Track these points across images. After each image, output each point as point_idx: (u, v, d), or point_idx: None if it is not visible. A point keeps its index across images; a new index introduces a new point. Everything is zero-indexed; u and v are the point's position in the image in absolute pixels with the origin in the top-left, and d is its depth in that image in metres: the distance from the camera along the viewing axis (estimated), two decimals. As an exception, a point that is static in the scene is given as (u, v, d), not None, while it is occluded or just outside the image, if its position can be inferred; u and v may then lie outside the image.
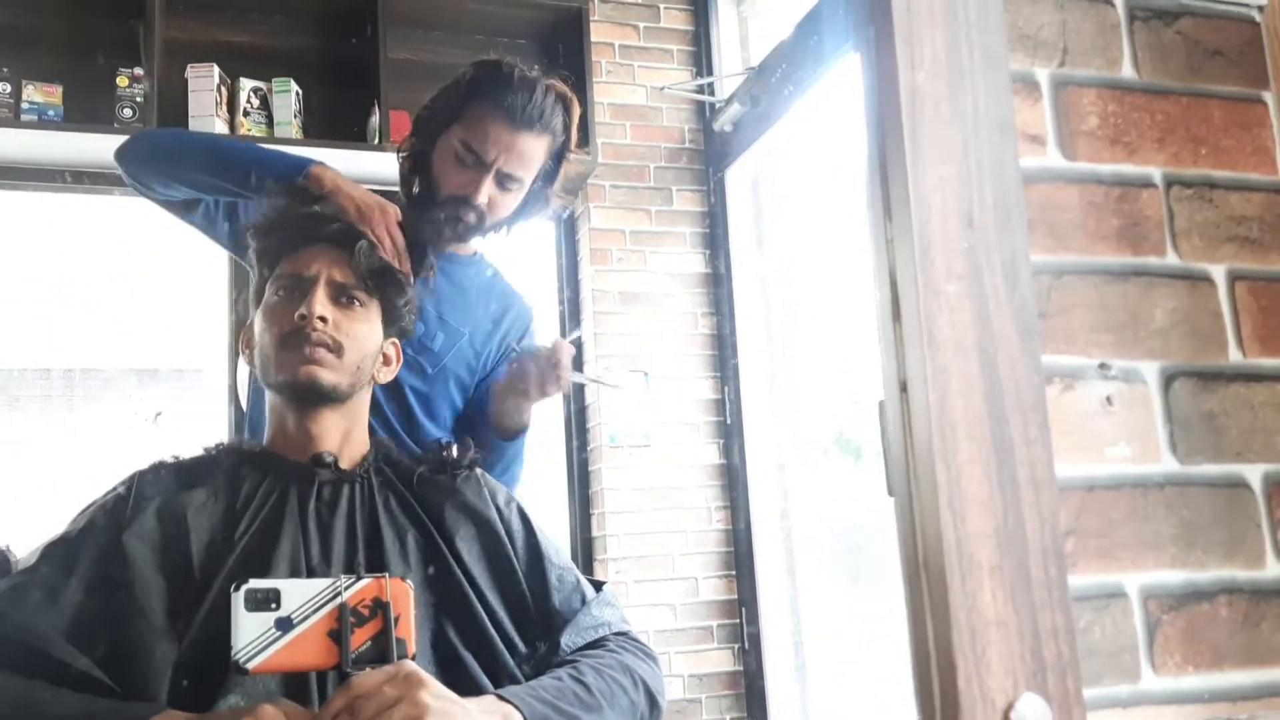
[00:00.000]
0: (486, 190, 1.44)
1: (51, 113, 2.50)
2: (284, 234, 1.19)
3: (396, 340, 1.23)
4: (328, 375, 1.10)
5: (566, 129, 1.48)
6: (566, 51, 3.07)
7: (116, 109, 2.52)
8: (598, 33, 3.07)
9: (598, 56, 3.06)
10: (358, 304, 1.15)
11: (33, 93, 2.49)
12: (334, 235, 1.18)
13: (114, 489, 1.07)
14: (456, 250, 1.54)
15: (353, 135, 2.72)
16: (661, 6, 3.20)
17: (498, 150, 1.43)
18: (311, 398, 1.11)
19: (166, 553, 1.01)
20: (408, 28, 2.86)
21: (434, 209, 1.44)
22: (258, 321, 1.16)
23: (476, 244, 1.58)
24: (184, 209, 1.55)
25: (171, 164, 1.48)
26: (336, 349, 1.11)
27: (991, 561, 0.63)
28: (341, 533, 1.06)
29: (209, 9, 2.72)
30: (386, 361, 1.22)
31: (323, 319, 1.11)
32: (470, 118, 1.44)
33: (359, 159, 2.65)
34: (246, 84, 2.66)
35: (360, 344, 1.14)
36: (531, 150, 1.45)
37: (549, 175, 1.51)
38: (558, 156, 1.50)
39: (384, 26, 2.73)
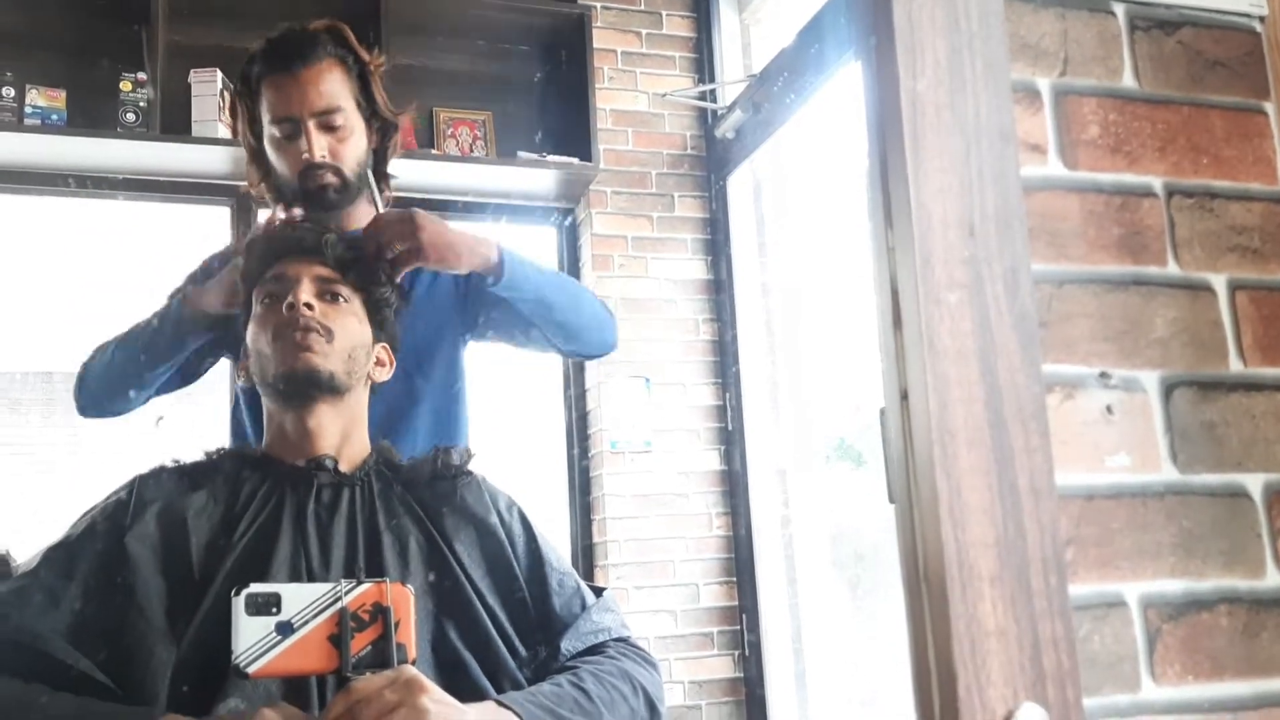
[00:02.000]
0: (318, 142, 1.42)
1: (55, 117, 2.50)
2: (261, 251, 1.20)
3: (387, 346, 1.24)
4: (322, 361, 1.11)
5: (348, 47, 1.47)
6: (569, 58, 3.08)
7: (120, 113, 2.52)
8: (600, 39, 3.08)
9: (600, 63, 3.07)
10: (342, 299, 1.17)
11: (36, 97, 2.50)
12: (307, 242, 1.19)
13: (115, 493, 1.07)
14: (360, 221, 1.47)
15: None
16: (664, 13, 3.21)
17: (298, 100, 1.42)
18: (310, 388, 1.11)
19: (167, 557, 1.01)
20: (411, 34, 2.87)
21: (297, 195, 1.43)
22: (250, 334, 1.17)
23: (367, 211, 1.51)
24: (170, 388, 1.55)
25: (110, 375, 1.47)
26: (327, 334, 1.13)
27: (992, 570, 0.63)
28: (341, 536, 1.06)
29: (213, 14, 2.73)
30: (380, 364, 1.22)
31: (309, 305, 1.12)
32: (265, 99, 1.44)
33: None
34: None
35: (350, 334, 1.15)
36: (324, 81, 1.43)
37: (368, 100, 1.48)
38: (360, 77, 1.47)
39: (387, 32, 2.74)
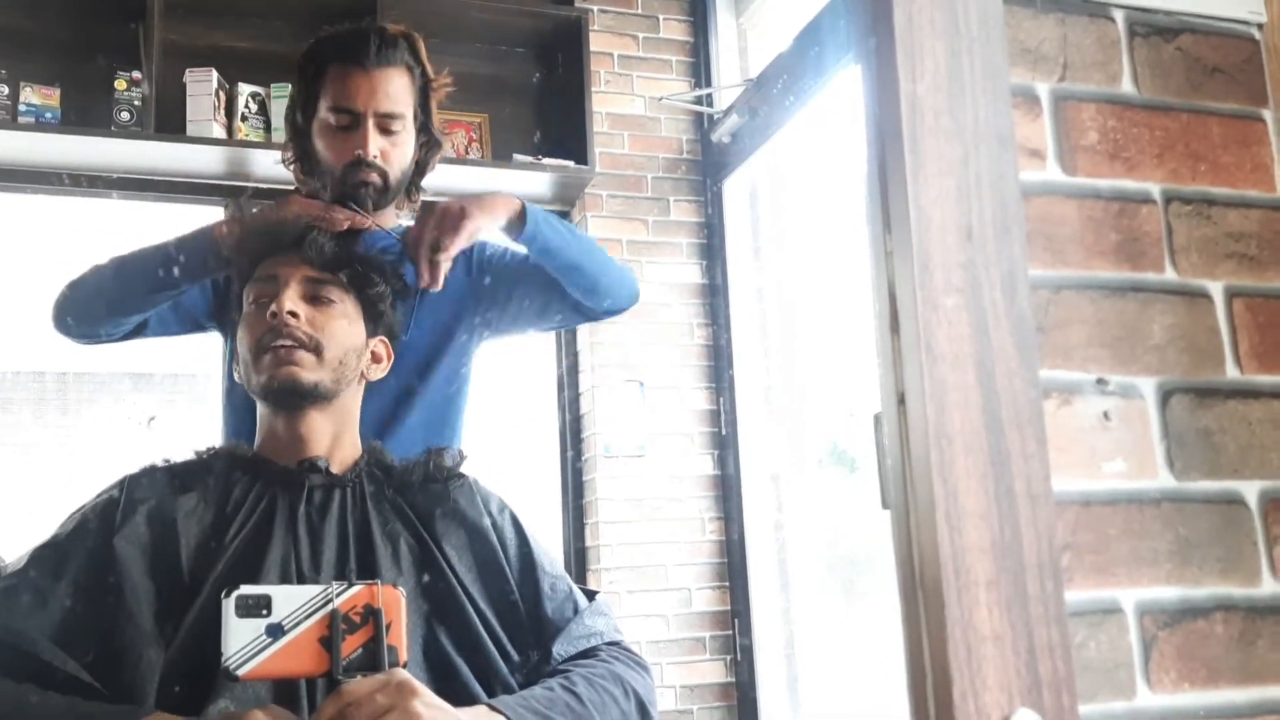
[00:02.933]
0: (374, 141, 1.43)
1: (49, 115, 2.49)
2: (252, 246, 1.19)
3: (385, 339, 1.22)
4: (306, 374, 1.09)
5: (419, 60, 1.49)
6: (565, 61, 3.08)
7: (114, 112, 2.51)
8: (597, 42, 3.08)
9: (597, 66, 3.07)
10: (332, 301, 1.14)
11: (30, 95, 2.49)
12: (297, 239, 1.17)
13: (105, 492, 1.07)
14: (385, 225, 1.50)
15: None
16: (661, 17, 3.21)
17: (365, 96, 1.43)
18: (293, 399, 1.10)
19: (157, 557, 1.00)
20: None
21: (337, 187, 1.43)
22: (238, 335, 1.16)
23: (393, 217, 1.54)
24: (137, 333, 1.53)
25: (104, 296, 1.45)
26: (314, 347, 1.10)
27: (988, 576, 0.62)
28: (332, 538, 1.05)
29: (208, 13, 2.72)
30: (376, 359, 1.20)
31: (293, 314, 1.10)
32: (329, 85, 1.44)
33: (357, 165, 2.64)
34: (245, 89, 2.66)
35: (339, 340, 1.13)
36: (394, 86, 1.45)
37: (424, 114, 1.51)
38: (423, 90, 1.50)
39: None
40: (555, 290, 1.52)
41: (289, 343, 1.09)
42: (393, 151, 1.45)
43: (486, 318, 1.56)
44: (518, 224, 1.41)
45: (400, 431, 1.44)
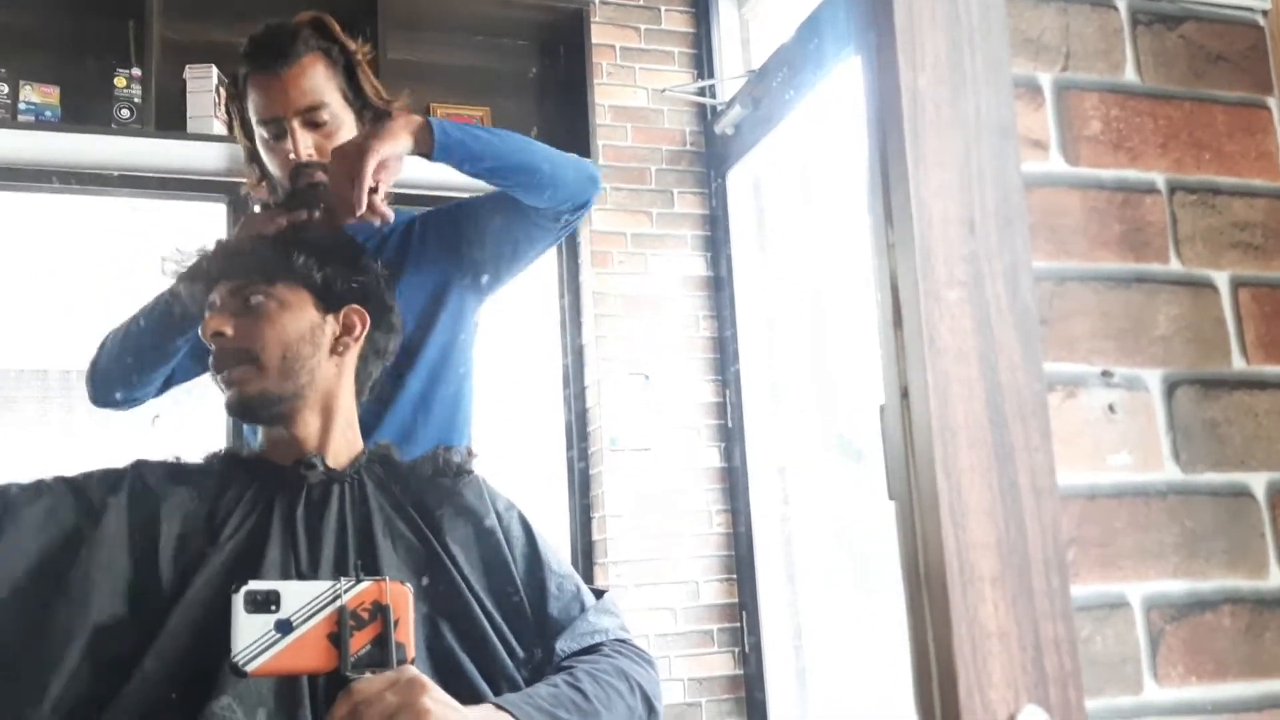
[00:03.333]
0: (303, 141, 1.39)
1: (49, 113, 2.49)
2: (186, 294, 1.18)
3: (359, 306, 1.17)
4: (249, 388, 1.09)
5: (331, 39, 1.44)
6: (567, 53, 3.07)
7: (114, 110, 2.51)
8: (599, 35, 3.07)
9: (599, 58, 3.06)
10: (259, 302, 1.11)
11: (30, 93, 2.49)
12: (212, 269, 1.15)
13: (116, 468, 1.07)
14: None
15: (352, 137, 2.71)
16: (663, 8, 3.19)
17: (280, 99, 1.39)
18: (257, 411, 1.11)
19: (139, 540, 1.00)
20: (407, 29, 2.86)
21: (290, 198, 1.38)
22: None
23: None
24: (167, 386, 1.52)
25: (129, 354, 1.43)
26: (251, 359, 1.09)
27: (993, 571, 0.62)
28: (331, 537, 1.05)
29: (207, 10, 2.71)
30: (349, 329, 1.16)
31: (219, 334, 1.09)
32: (251, 100, 1.43)
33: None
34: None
35: (277, 338, 1.10)
36: (307, 78, 1.40)
37: (356, 91, 1.46)
38: (347, 69, 1.44)
39: (384, 28, 2.73)
40: (506, 206, 1.46)
41: (226, 367, 1.10)
42: (328, 143, 1.39)
43: (465, 269, 1.50)
44: (426, 139, 1.29)
45: (393, 429, 1.40)
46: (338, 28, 1.46)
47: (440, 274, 1.49)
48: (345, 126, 1.44)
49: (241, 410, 1.10)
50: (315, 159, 1.40)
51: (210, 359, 1.11)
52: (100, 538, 0.98)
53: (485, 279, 1.54)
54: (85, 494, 1.02)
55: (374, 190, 1.28)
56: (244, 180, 1.57)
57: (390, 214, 1.33)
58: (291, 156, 1.39)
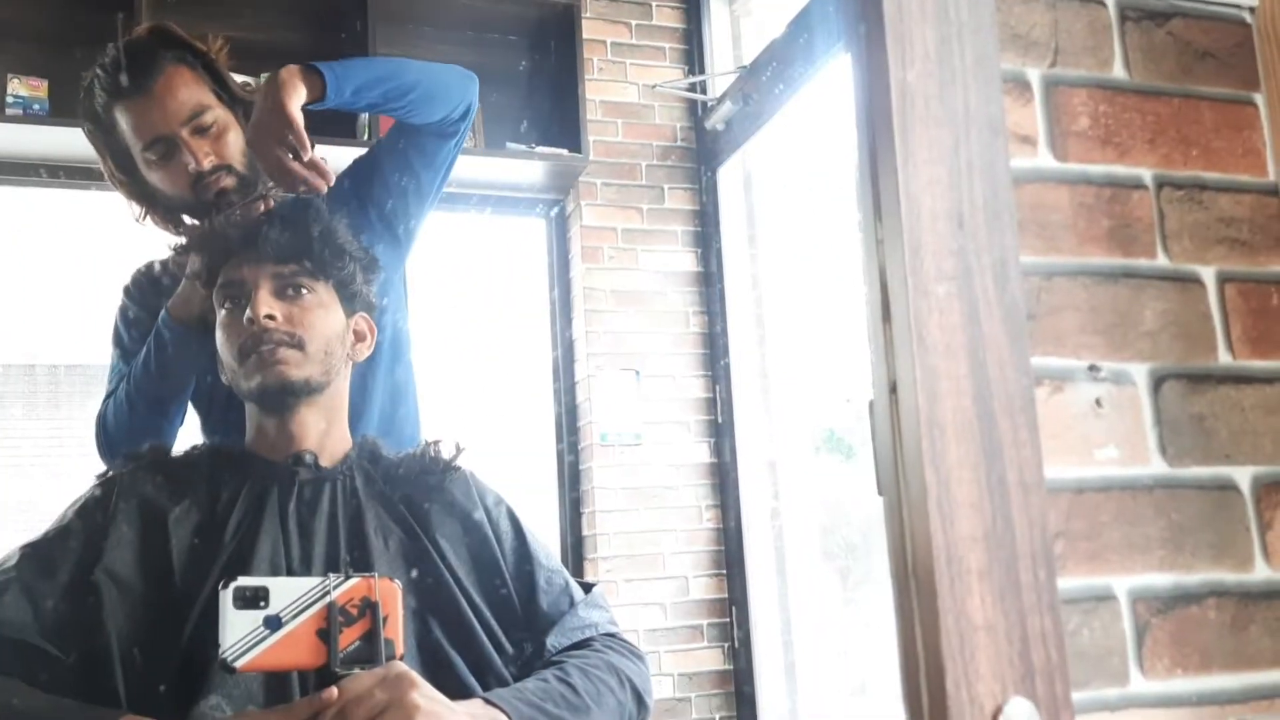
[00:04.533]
0: (199, 149, 1.36)
1: (37, 107, 2.48)
2: (209, 253, 1.16)
3: (366, 315, 1.20)
4: (295, 371, 1.08)
5: (183, 45, 1.40)
6: (558, 48, 3.06)
7: (103, 104, 2.49)
8: (589, 30, 3.06)
9: (589, 54, 3.05)
10: (305, 291, 1.12)
11: (18, 86, 2.47)
12: (251, 237, 1.14)
13: (92, 490, 1.06)
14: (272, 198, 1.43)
15: (341, 132, 2.70)
16: (653, 4, 3.19)
17: (159, 118, 1.35)
18: (287, 398, 1.09)
19: (143, 556, 1.00)
20: (397, 24, 2.85)
21: (204, 208, 1.36)
22: (218, 340, 1.14)
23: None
24: (181, 419, 1.47)
25: (138, 395, 1.38)
26: (297, 343, 1.09)
27: (980, 564, 0.62)
28: (323, 533, 1.05)
29: (196, 3, 2.70)
30: (360, 338, 1.19)
31: (270, 317, 1.08)
32: (125, 127, 1.38)
33: (347, 155, 2.63)
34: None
35: (320, 331, 1.11)
36: (181, 89, 1.37)
37: (223, 88, 1.42)
38: (208, 69, 1.41)
39: (373, 23, 2.72)
40: (398, 138, 1.47)
41: (271, 345, 1.07)
42: (220, 145, 1.38)
43: (381, 224, 1.50)
44: (317, 82, 1.29)
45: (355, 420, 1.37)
46: (182, 33, 1.43)
47: (366, 240, 1.45)
48: (231, 126, 1.41)
49: (280, 391, 1.08)
50: (216, 163, 1.36)
51: (243, 341, 1.08)
52: (107, 570, 0.98)
53: (400, 228, 1.52)
54: (89, 521, 1.01)
55: (302, 156, 1.27)
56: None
57: (331, 174, 1.31)
58: (192, 167, 1.35)
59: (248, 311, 1.08)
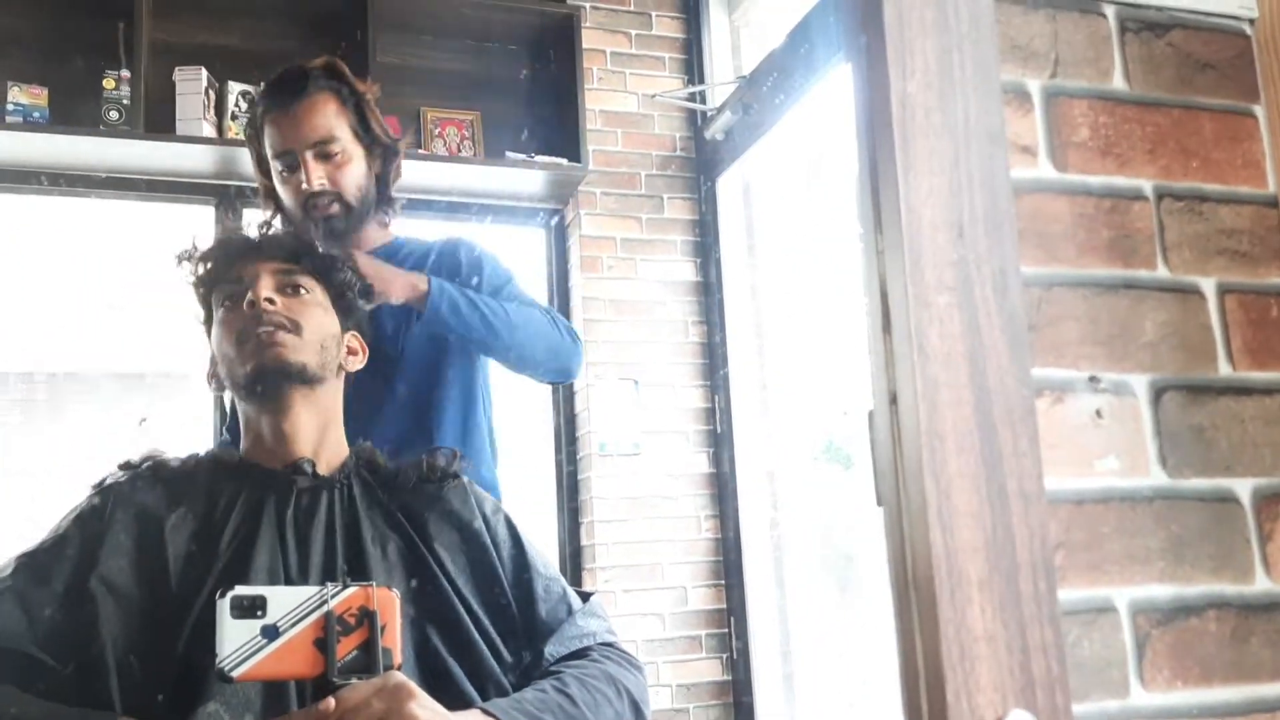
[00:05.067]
0: (314, 172, 1.49)
1: (37, 115, 2.48)
2: (215, 258, 1.19)
3: (357, 333, 1.22)
4: (292, 354, 1.10)
5: (342, 80, 1.54)
6: (558, 58, 3.07)
7: (103, 111, 2.50)
8: (589, 40, 3.07)
9: (589, 64, 3.06)
10: (303, 290, 1.15)
11: (18, 94, 2.47)
12: (262, 245, 1.18)
13: (89, 499, 1.06)
14: (373, 244, 1.58)
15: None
16: (653, 14, 3.20)
17: (294, 133, 1.49)
18: (281, 380, 1.09)
19: (140, 564, 0.99)
20: (397, 32, 2.85)
21: (303, 226, 1.49)
22: (214, 339, 1.16)
23: (386, 232, 1.63)
24: None
25: None
26: (294, 327, 1.11)
27: (980, 575, 0.62)
28: (320, 542, 1.05)
29: (197, 11, 2.71)
30: (352, 353, 1.21)
31: (270, 300, 1.11)
32: (267, 137, 1.53)
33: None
34: (235, 87, 2.65)
35: (317, 324, 1.14)
36: (318, 114, 1.51)
37: (365, 129, 1.55)
38: (356, 108, 1.54)
39: (374, 31, 2.73)
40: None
41: (269, 327, 1.10)
42: (339, 174, 1.51)
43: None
44: (420, 304, 1.46)
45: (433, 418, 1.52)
46: (348, 71, 1.56)
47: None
48: (355, 160, 1.53)
49: (275, 372, 1.09)
50: (327, 188, 1.50)
51: (243, 326, 1.11)
52: (104, 579, 0.98)
53: None
54: (86, 530, 1.01)
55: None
56: (231, 182, 1.63)
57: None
58: (304, 186, 1.48)
59: (248, 296, 1.10)
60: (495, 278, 1.61)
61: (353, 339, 1.21)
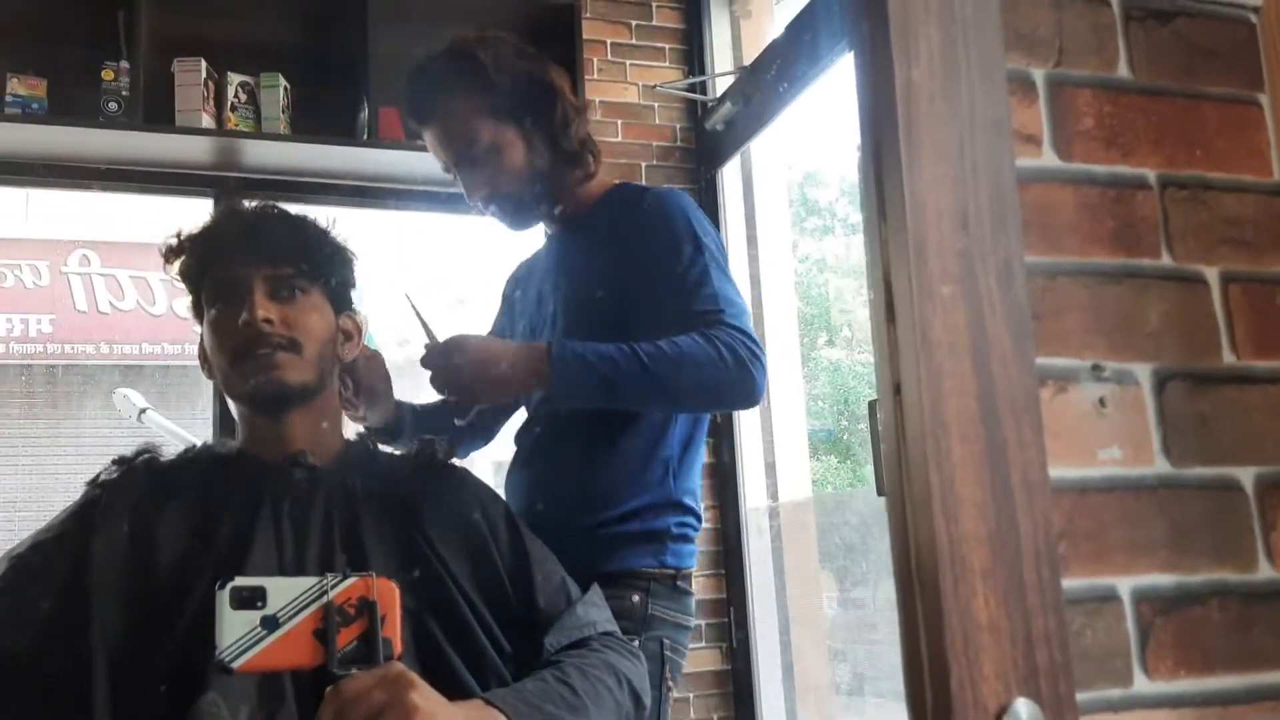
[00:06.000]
0: (473, 185, 1.41)
1: (36, 106, 2.47)
2: (201, 247, 1.14)
3: (351, 314, 1.19)
4: (292, 377, 1.07)
5: (474, 73, 1.39)
6: (558, 49, 3.05)
7: (101, 102, 2.49)
8: (589, 30, 3.06)
9: (589, 54, 3.05)
10: (299, 293, 1.11)
11: (17, 86, 2.46)
12: (246, 235, 1.13)
13: (86, 494, 1.06)
14: (571, 212, 1.46)
15: (341, 131, 2.70)
16: (653, 4, 3.19)
17: (438, 153, 1.43)
18: (283, 404, 1.09)
19: (136, 558, 0.99)
20: (397, 23, 2.84)
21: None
22: (207, 338, 1.12)
23: (590, 188, 1.47)
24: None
25: None
26: (293, 347, 1.08)
27: (984, 565, 0.62)
28: (317, 534, 1.04)
29: (196, 1, 2.69)
30: (348, 336, 1.18)
31: (268, 321, 1.07)
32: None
33: (347, 155, 2.63)
34: (234, 78, 2.64)
35: (315, 333, 1.11)
36: (450, 127, 1.40)
37: (514, 107, 1.39)
38: (499, 90, 1.39)
39: (373, 22, 2.71)
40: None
41: (268, 349, 1.06)
42: (492, 176, 1.42)
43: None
44: (545, 385, 1.26)
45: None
46: (488, 48, 1.49)
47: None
48: (505, 154, 1.41)
49: (276, 396, 1.08)
50: (488, 192, 1.42)
51: (237, 344, 1.07)
52: (101, 575, 0.97)
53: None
54: (83, 524, 1.01)
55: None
56: (230, 174, 1.55)
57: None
58: (471, 199, 1.44)
59: (243, 314, 1.06)
60: (677, 249, 1.34)
61: (347, 320, 1.19)
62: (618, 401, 1.29)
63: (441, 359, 1.27)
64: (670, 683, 1.34)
